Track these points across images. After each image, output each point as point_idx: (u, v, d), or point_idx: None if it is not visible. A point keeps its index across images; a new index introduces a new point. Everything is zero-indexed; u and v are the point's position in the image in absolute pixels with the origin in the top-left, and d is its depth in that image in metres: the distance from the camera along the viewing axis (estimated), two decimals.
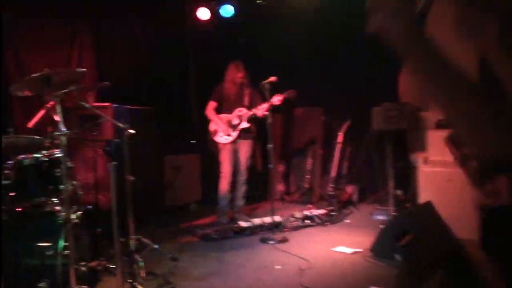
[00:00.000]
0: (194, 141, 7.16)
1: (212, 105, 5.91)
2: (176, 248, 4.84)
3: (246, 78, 5.86)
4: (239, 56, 6.11)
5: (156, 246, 4.46)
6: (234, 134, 5.80)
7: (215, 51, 7.38)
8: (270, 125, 5.24)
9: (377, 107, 5.59)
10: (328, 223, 5.71)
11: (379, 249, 4.41)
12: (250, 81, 5.90)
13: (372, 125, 5.65)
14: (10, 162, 3.45)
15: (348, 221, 5.92)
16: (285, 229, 5.40)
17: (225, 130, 5.82)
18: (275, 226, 5.35)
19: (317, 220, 5.72)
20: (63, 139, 3.14)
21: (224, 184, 5.90)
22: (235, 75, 5.83)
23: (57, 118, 3.25)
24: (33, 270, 3.23)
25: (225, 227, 5.48)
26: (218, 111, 5.90)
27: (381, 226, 4.66)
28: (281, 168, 7.44)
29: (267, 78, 5.30)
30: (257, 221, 5.49)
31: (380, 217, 5.77)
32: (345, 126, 6.39)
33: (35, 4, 5.50)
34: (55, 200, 3.51)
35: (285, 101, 5.55)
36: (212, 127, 5.90)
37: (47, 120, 3.84)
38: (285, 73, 5.48)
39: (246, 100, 5.86)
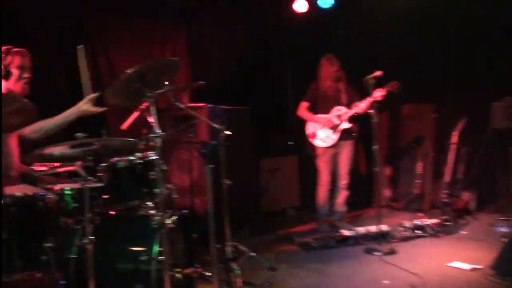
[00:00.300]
0: (292, 142, 7.13)
1: (304, 105, 5.82)
2: (274, 257, 4.83)
3: (341, 72, 5.72)
4: (340, 50, 5.99)
5: (253, 254, 4.46)
6: (335, 136, 5.68)
7: (312, 45, 7.29)
8: (375, 124, 5.06)
9: (497, 102, 5.24)
10: (441, 235, 5.42)
11: (502, 266, 4.09)
12: (345, 76, 5.75)
13: (491, 123, 5.31)
14: (103, 164, 3.60)
15: (464, 232, 5.60)
16: (393, 240, 5.20)
17: (324, 132, 5.70)
18: (382, 236, 5.17)
19: (429, 230, 5.45)
20: (158, 141, 3.21)
21: (322, 193, 5.81)
22: (329, 70, 5.71)
23: (151, 119, 3.33)
24: (126, 274, 3.33)
25: (326, 235, 5.38)
26: (313, 111, 5.80)
27: (504, 240, 4.33)
28: (387, 171, 7.20)
29: (370, 72, 5.13)
30: (361, 229, 5.35)
31: (503, 229, 5.42)
32: (460, 124, 6.04)
33: (126, 5, 5.74)
34: (149, 203, 3.60)
35: (388, 95, 5.34)
36: (309, 129, 5.81)
37: (141, 122, 3.97)
38: (390, 67, 5.29)
39: (344, 98, 5.73)
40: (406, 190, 7.02)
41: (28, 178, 3.77)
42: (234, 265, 3.96)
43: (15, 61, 3.61)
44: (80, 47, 3.62)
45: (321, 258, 4.86)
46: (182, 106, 4.02)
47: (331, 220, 5.89)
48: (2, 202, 2.97)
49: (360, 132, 5.88)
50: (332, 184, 5.85)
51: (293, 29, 7.50)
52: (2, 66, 3.55)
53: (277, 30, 7.54)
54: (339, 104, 5.71)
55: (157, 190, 3.33)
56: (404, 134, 7.23)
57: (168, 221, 3.30)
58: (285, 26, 7.52)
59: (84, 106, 3.66)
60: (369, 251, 4.90)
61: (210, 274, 3.73)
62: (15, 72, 3.61)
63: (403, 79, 5.46)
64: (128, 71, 3.26)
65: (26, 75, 3.67)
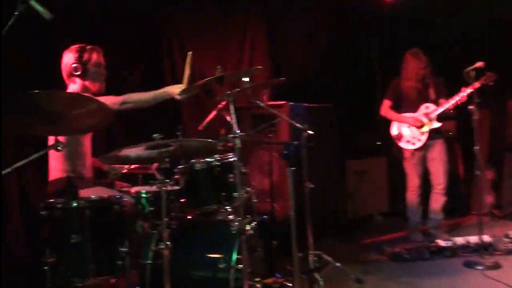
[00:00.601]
0: (380, 143, 6.99)
1: (387, 104, 5.68)
2: (361, 268, 4.72)
3: (429, 67, 5.51)
4: (435, 40, 5.79)
5: (338, 264, 4.39)
6: (423, 137, 5.48)
7: (404, 36, 7.11)
8: (476, 122, 4.84)
9: None
10: None
11: None
12: (433, 69, 5.53)
13: None
14: (180, 166, 3.67)
15: None
16: (497, 252, 4.96)
17: (411, 133, 5.52)
18: (484, 248, 4.92)
19: None
20: (237, 142, 3.22)
21: (412, 199, 5.66)
22: (414, 66, 5.53)
23: (230, 119, 3.35)
24: (203, 282, 3.39)
25: (419, 245, 5.22)
26: (397, 110, 5.63)
27: None
28: (489, 175, 6.89)
29: (470, 64, 4.91)
30: (459, 240, 5.15)
31: None
32: None
33: None
34: (228, 208, 3.63)
35: (489, 89, 5.08)
36: (393, 130, 5.65)
37: (219, 122, 4.00)
38: (492, 58, 5.05)
39: (432, 94, 5.53)
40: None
41: (106, 178, 3.94)
42: (317, 276, 3.92)
43: (92, 59, 3.74)
44: (190, 53, 3.79)
45: (414, 271, 4.72)
46: (261, 104, 4.02)
47: (425, 228, 5.70)
48: (77, 204, 3.08)
49: (457, 131, 5.66)
50: (426, 189, 5.66)
51: (382, 20, 7.35)
52: (78, 64, 3.68)
53: (364, 21, 7.41)
54: (426, 101, 5.51)
55: (236, 194, 3.34)
56: (509, 133, 6.93)
57: (248, 227, 3.31)
58: (373, 16, 7.38)
59: (171, 89, 3.81)
60: (469, 265, 4.70)
61: (291, 285, 3.70)
62: (92, 70, 3.74)
63: (508, 70, 5.19)
64: (206, 79, 3.40)
65: (103, 72, 3.80)
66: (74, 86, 3.74)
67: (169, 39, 5.66)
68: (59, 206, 3.08)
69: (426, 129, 5.44)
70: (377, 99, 7.40)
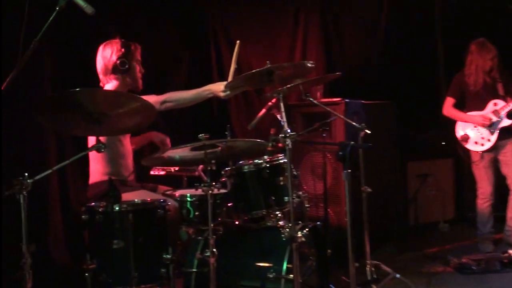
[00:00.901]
0: (444, 143, 6.87)
1: (450, 101, 5.54)
2: (423, 280, 4.68)
3: (497, 59, 5.35)
4: (508, 29, 5.63)
5: (398, 276, 4.34)
6: (493, 137, 5.33)
7: (473, 29, 6.94)
8: None
9: None
10: None
11: None
12: (502, 62, 5.37)
13: None
14: (227, 168, 3.69)
15: None
16: None
17: (478, 133, 5.37)
18: None
19: None
20: (288, 142, 3.22)
21: (484, 207, 5.49)
22: (481, 58, 5.36)
23: (280, 117, 3.34)
24: None
25: (490, 256, 5.09)
26: (462, 108, 5.50)
27: None
28: None
29: None
30: None
31: None
32: None
33: None
34: (278, 213, 3.63)
35: None
36: (459, 131, 5.51)
37: (269, 121, 4.00)
38: None
39: (501, 89, 5.37)
40: None
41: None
42: None
43: (136, 55, 3.80)
44: (238, 42, 3.84)
45: (483, 284, 4.62)
46: (315, 101, 4.00)
47: (497, 237, 5.55)
48: (119, 208, 3.14)
49: None
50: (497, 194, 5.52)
51: (448, 7, 7.22)
52: (122, 60, 3.71)
53: (430, 11, 7.29)
54: (495, 97, 5.36)
55: (287, 198, 3.34)
56: None
57: (299, 234, 3.30)
58: (439, 5, 7.26)
59: (214, 86, 3.83)
60: None
61: None
62: (134, 66, 3.79)
63: None
64: (254, 71, 3.40)
65: (142, 69, 3.86)
66: (114, 83, 3.76)
67: (214, 29, 5.69)
68: (100, 210, 3.15)
69: (495, 127, 5.30)
70: (442, 94, 7.29)
